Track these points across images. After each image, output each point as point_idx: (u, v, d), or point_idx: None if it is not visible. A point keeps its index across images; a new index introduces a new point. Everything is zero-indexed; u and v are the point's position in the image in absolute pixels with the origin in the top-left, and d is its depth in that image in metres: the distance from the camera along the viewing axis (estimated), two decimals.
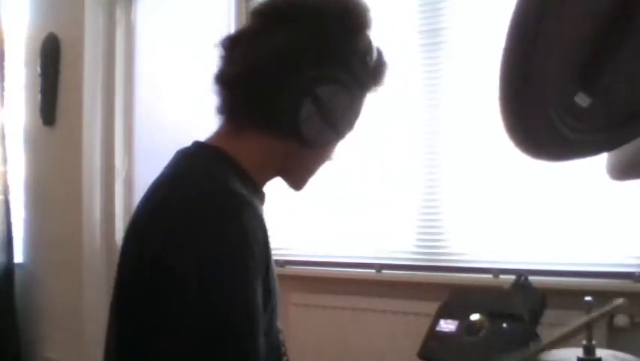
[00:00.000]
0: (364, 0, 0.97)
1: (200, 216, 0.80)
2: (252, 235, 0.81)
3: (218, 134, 0.97)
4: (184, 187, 0.86)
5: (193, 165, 0.92)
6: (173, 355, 0.76)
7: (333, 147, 1.01)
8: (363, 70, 0.94)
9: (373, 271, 2.38)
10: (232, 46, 0.96)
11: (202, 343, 0.75)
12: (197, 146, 0.96)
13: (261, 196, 0.98)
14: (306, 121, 0.89)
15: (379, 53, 0.98)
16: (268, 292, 0.86)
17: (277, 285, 0.94)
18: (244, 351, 0.77)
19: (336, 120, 0.92)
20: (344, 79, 0.91)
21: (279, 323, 0.97)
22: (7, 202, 2.99)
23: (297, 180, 1.03)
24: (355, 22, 0.94)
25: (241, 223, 0.81)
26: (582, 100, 0.81)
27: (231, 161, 0.92)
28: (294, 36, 0.91)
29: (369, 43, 0.96)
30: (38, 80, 2.95)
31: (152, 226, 0.85)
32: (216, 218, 0.80)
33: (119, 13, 2.90)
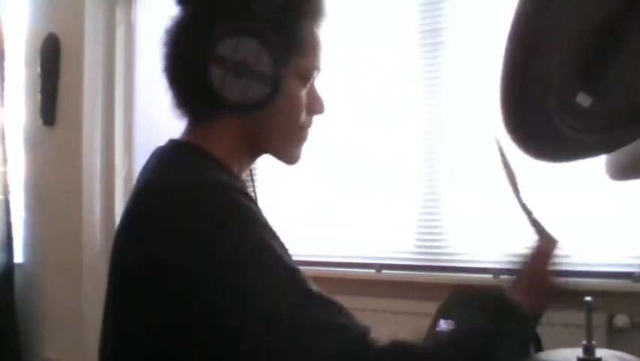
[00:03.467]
0: None
1: (201, 206, 0.80)
2: (248, 210, 0.81)
3: (187, 130, 0.96)
4: (170, 185, 0.84)
5: (172, 162, 0.91)
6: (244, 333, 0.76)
7: (295, 98, 0.93)
8: (266, 6, 0.86)
9: (373, 271, 2.38)
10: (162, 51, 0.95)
11: (268, 326, 0.75)
12: (172, 143, 0.95)
13: (242, 184, 0.95)
14: (222, 86, 0.84)
15: None
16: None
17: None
18: (310, 316, 0.79)
19: (254, 70, 0.84)
20: (239, 26, 0.85)
21: None
22: (7, 202, 2.99)
23: (281, 152, 0.97)
24: None
25: (236, 204, 0.81)
26: (583, 100, 0.81)
27: (205, 154, 0.91)
28: (186, 13, 0.92)
29: None
30: (38, 80, 2.95)
31: (139, 229, 0.84)
32: (209, 207, 0.80)
33: (119, 13, 2.89)
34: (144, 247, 0.81)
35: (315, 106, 0.97)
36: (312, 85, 0.97)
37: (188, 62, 0.89)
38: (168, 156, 0.93)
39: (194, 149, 0.92)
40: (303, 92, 0.94)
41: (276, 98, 0.86)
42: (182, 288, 0.77)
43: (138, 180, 0.93)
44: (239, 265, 0.76)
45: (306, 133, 0.98)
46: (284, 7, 0.87)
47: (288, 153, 0.98)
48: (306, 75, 0.94)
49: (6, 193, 2.99)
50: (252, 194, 0.96)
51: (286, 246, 0.86)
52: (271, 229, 0.83)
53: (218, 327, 0.76)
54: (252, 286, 0.76)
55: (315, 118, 0.99)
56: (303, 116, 0.95)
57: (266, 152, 0.98)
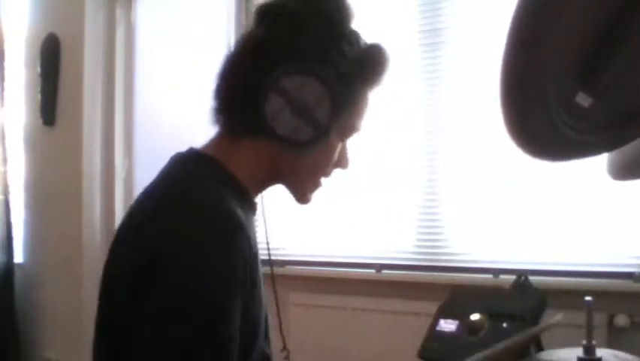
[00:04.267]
0: None
1: (191, 232, 0.80)
2: (239, 258, 0.80)
3: (213, 142, 0.96)
4: (176, 198, 0.85)
5: (186, 174, 0.91)
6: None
7: (330, 149, 0.96)
8: (342, 58, 0.89)
9: (373, 271, 2.38)
10: (224, 58, 0.96)
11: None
12: (192, 153, 0.95)
13: (253, 206, 0.97)
14: (275, 117, 0.86)
15: (372, 45, 0.95)
16: (251, 316, 0.85)
17: (264, 307, 0.93)
18: None
19: (312, 112, 0.87)
20: (315, 70, 0.87)
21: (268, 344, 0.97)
22: (7, 202, 2.99)
23: (296, 189, 1.00)
24: (327, 13, 0.91)
25: (230, 246, 0.80)
26: (583, 100, 0.81)
27: (223, 170, 0.92)
28: (261, 37, 0.91)
29: (349, 32, 0.92)
30: (38, 80, 2.95)
31: (141, 235, 0.84)
32: (207, 237, 0.80)
33: (119, 13, 2.89)
34: (136, 252, 0.82)
35: (341, 161, 1.01)
36: (346, 141, 1.00)
37: (248, 79, 0.89)
38: (185, 166, 0.93)
39: (213, 161, 0.92)
40: (339, 146, 0.98)
41: (317, 144, 0.90)
42: (144, 298, 0.79)
43: (152, 182, 0.93)
44: (180, 299, 0.77)
45: (321, 181, 1.02)
46: (356, 65, 0.91)
47: (301, 194, 1.01)
48: (347, 131, 0.97)
49: (6, 193, 2.99)
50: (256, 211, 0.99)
51: (260, 285, 0.88)
52: (244, 280, 0.82)
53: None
54: (171, 338, 0.76)
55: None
56: (330, 167, 0.99)
57: (281, 183, 1.00)
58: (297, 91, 0.86)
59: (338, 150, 0.98)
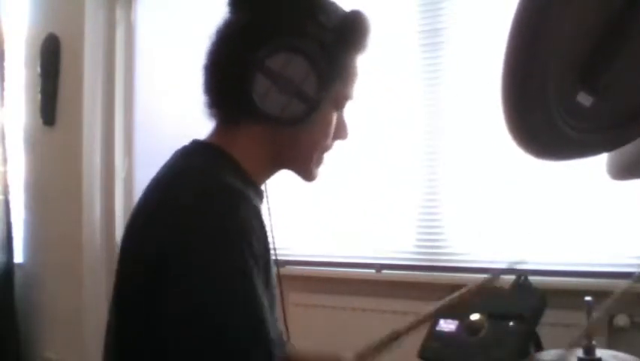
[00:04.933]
0: None
1: (197, 214, 0.80)
2: (249, 229, 0.81)
3: (213, 131, 0.97)
4: (181, 186, 0.85)
5: (190, 163, 0.91)
6: (175, 353, 0.77)
7: (326, 122, 0.96)
8: (321, 29, 0.89)
9: (373, 271, 2.38)
10: (206, 52, 0.96)
11: (202, 344, 0.75)
12: (195, 144, 0.96)
13: (259, 193, 0.97)
14: (264, 97, 0.86)
15: (350, 12, 0.94)
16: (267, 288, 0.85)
17: (275, 281, 0.94)
18: (246, 350, 0.77)
19: (299, 88, 0.86)
20: (293, 44, 0.86)
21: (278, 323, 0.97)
22: (7, 202, 2.99)
23: (301, 168, 0.99)
24: None
25: (238, 218, 0.80)
26: (584, 99, 0.81)
27: (227, 157, 0.92)
28: (237, 20, 0.92)
29: (324, 2, 0.92)
30: (38, 80, 2.95)
31: (151, 225, 0.84)
32: (213, 214, 0.80)
33: (119, 13, 2.89)
34: (146, 243, 0.82)
35: (340, 132, 1.00)
36: (341, 111, 1.00)
37: (233, 66, 0.89)
38: (189, 156, 0.93)
39: (217, 150, 0.92)
40: (334, 117, 0.97)
41: (311, 118, 0.89)
42: (159, 285, 0.78)
43: (156, 175, 0.93)
44: (199, 283, 0.77)
45: (324, 156, 1.01)
46: (337, 33, 0.90)
47: (307, 171, 1.00)
48: (340, 101, 0.97)
49: (6, 193, 2.99)
50: (264, 200, 0.98)
51: (271, 261, 0.88)
52: (258, 248, 0.82)
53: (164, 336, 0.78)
54: (206, 310, 0.76)
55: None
56: (329, 139, 0.98)
57: (286, 166, 0.99)
58: (280, 69, 0.86)
59: (334, 121, 0.97)
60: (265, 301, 0.80)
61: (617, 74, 0.81)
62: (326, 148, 0.99)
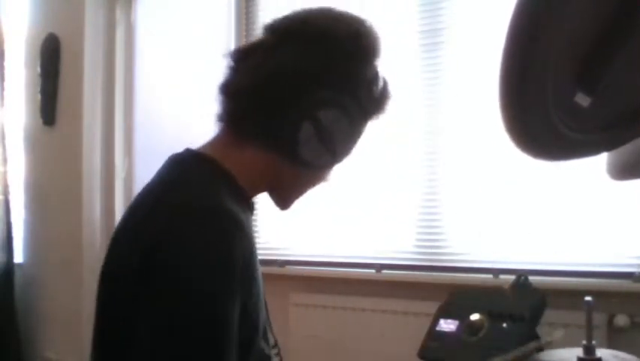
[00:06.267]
0: (375, 28, 0.97)
1: (189, 233, 0.80)
2: (239, 258, 0.80)
3: (214, 143, 0.96)
4: (174, 199, 0.84)
5: (184, 174, 0.91)
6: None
7: (328, 170, 1.02)
8: (368, 98, 0.95)
9: (373, 271, 2.38)
10: (241, 58, 0.96)
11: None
12: (190, 154, 0.95)
13: (251, 206, 0.98)
14: (304, 143, 0.90)
15: (385, 83, 0.98)
16: (249, 316, 0.84)
17: (263, 304, 0.93)
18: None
19: (335, 145, 0.93)
20: (347, 105, 0.92)
21: (270, 336, 0.97)
22: (7, 202, 2.99)
23: (285, 198, 1.03)
24: (365, 49, 0.94)
25: (229, 245, 0.80)
26: (582, 100, 0.81)
27: (224, 172, 0.92)
28: (303, 56, 0.91)
29: (377, 72, 0.97)
30: (38, 80, 2.95)
31: (139, 236, 0.84)
32: (204, 238, 0.79)
33: (119, 13, 2.89)
34: (135, 256, 0.82)
35: (328, 178, 1.06)
36: None
37: (283, 99, 0.90)
38: (182, 168, 0.93)
39: (211, 162, 0.92)
40: None
41: (328, 168, 0.98)
42: (141, 298, 0.78)
43: (148, 184, 0.92)
44: (177, 302, 0.77)
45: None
46: (374, 103, 0.97)
47: (289, 202, 1.04)
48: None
49: (6, 193, 3.00)
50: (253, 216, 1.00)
51: (259, 284, 0.89)
52: (243, 279, 0.82)
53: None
54: (168, 328, 0.76)
55: None
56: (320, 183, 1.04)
57: (269, 192, 1.02)
58: (329, 123, 0.91)
59: None
60: (235, 332, 0.80)
61: (615, 75, 0.81)
62: (315, 187, 1.04)
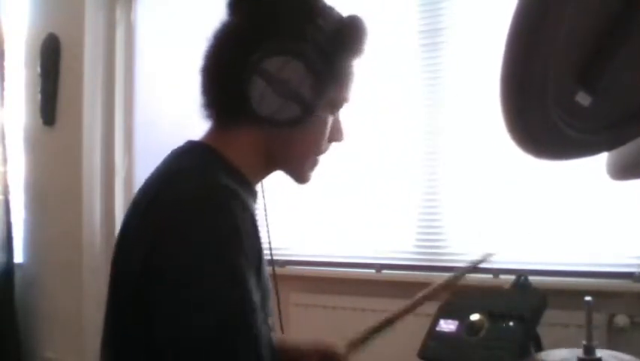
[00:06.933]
0: None
1: (190, 212, 0.81)
2: (242, 226, 0.81)
3: (209, 132, 0.97)
4: (175, 184, 0.85)
5: (184, 162, 0.92)
6: (170, 346, 0.78)
7: (322, 125, 0.96)
8: (320, 33, 0.89)
9: (373, 271, 2.38)
10: (204, 53, 0.96)
11: (194, 338, 0.76)
12: (189, 144, 0.96)
13: (253, 193, 0.97)
14: (260, 99, 0.86)
15: (348, 16, 0.94)
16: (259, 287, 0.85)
17: (268, 281, 0.94)
18: (235, 345, 0.77)
19: (295, 91, 0.87)
20: (291, 47, 0.87)
21: (271, 321, 0.97)
22: (7, 202, 2.99)
23: (294, 170, 1.00)
24: None
25: (230, 215, 0.80)
26: (583, 99, 0.81)
27: (221, 158, 0.92)
28: (236, 23, 0.92)
29: (322, 6, 0.93)
30: (38, 80, 2.95)
31: (145, 224, 0.85)
32: (205, 212, 0.80)
33: (119, 13, 2.89)
34: (141, 247, 0.82)
35: (335, 134, 1.00)
36: (337, 114, 1.00)
37: (230, 67, 0.89)
38: (182, 157, 0.94)
39: (210, 150, 0.93)
40: (330, 120, 0.97)
41: (307, 121, 0.89)
42: (151, 286, 0.79)
43: (150, 175, 0.93)
44: (191, 279, 0.77)
45: (319, 158, 1.01)
46: (334, 37, 0.91)
47: (301, 173, 1.00)
48: (336, 105, 0.97)
49: (6, 193, 2.99)
50: (257, 200, 0.99)
51: (263, 259, 0.89)
52: (250, 246, 0.83)
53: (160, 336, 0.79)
54: (186, 306, 0.77)
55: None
56: (325, 142, 0.98)
57: (280, 168, 0.99)
58: (277, 71, 0.86)
59: (329, 124, 0.97)
60: (257, 301, 0.81)
61: (616, 74, 0.81)
62: (321, 151, 0.99)
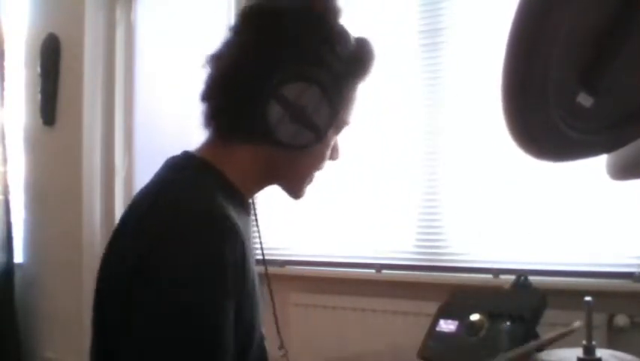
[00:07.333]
0: None
1: (183, 235, 0.79)
2: (231, 260, 0.80)
3: (206, 145, 0.96)
4: (169, 202, 0.84)
5: (180, 177, 0.90)
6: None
7: (325, 147, 0.97)
8: (336, 59, 0.90)
9: (373, 271, 2.38)
10: (212, 60, 0.94)
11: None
12: (186, 156, 0.95)
13: (247, 209, 0.97)
14: (277, 124, 0.87)
15: (360, 41, 0.94)
16: (244, 317, 0.84)
17: (259, 305, 0.93)
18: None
19: (311, 117, 0.88)
20: (312, 74, 0.87)
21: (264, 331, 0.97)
22: (7, 202, 2.99)
23: (293, 188, 1.01)
24: (318, 14, 0.90)
25: (221, 248, 0.79)
26: (584, 100, 0.81)
27: (217, 173, 0.91)
28: (256, 39, 0.90)
29: (340, 31, 0.92)
30: (38, 80, 2.95)
31: (135, 238, 0.83)
32: (197, 241, 0.79)
33: (119, 13, 2.90)
34: (129, 255, 0.82)
35: (333, 153, 1.01)
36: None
37: (246, 86, 0.88)
38: (177, 170, 0.93)
39: (206, 164, 0.92)
40: (333, 141, 0.98)
41: (316, 145, 0.91)
42: (135, 301, 0.78)
43: (146, 186, 0.92)
44: (170, 302, 0.77)
45: (315, 174, 1.02)
46: (349, 63, 0.91)
47: (297, 190, 1.01)
48: (340, 127, 0.98)
49: (6, 193, 3.00)
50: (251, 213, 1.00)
51: (254, 282, 0.88)
52: (243, 270, 0.82)
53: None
54: (162, 328, 0.76)
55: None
56: (325, 161, 0.99)
57: (277, 184, 1.00)
58: (296, 98, 0.86)
59: (332, 143, 0.98)
60: (230, 325, 0.80)
61: (617, 74, 0.81)
62: (320, 169, 1.00)
